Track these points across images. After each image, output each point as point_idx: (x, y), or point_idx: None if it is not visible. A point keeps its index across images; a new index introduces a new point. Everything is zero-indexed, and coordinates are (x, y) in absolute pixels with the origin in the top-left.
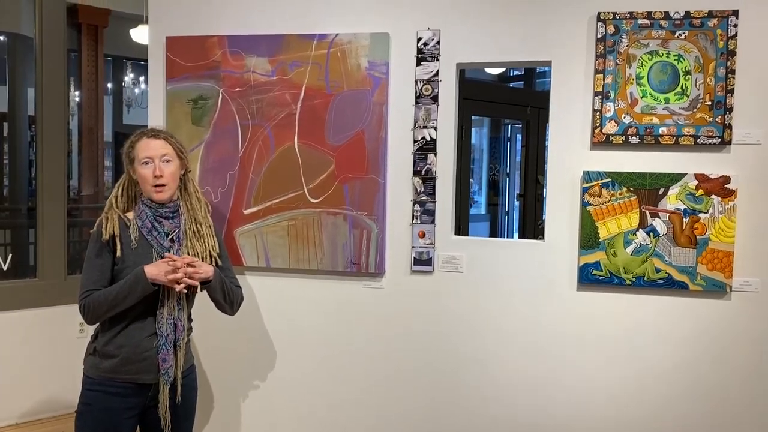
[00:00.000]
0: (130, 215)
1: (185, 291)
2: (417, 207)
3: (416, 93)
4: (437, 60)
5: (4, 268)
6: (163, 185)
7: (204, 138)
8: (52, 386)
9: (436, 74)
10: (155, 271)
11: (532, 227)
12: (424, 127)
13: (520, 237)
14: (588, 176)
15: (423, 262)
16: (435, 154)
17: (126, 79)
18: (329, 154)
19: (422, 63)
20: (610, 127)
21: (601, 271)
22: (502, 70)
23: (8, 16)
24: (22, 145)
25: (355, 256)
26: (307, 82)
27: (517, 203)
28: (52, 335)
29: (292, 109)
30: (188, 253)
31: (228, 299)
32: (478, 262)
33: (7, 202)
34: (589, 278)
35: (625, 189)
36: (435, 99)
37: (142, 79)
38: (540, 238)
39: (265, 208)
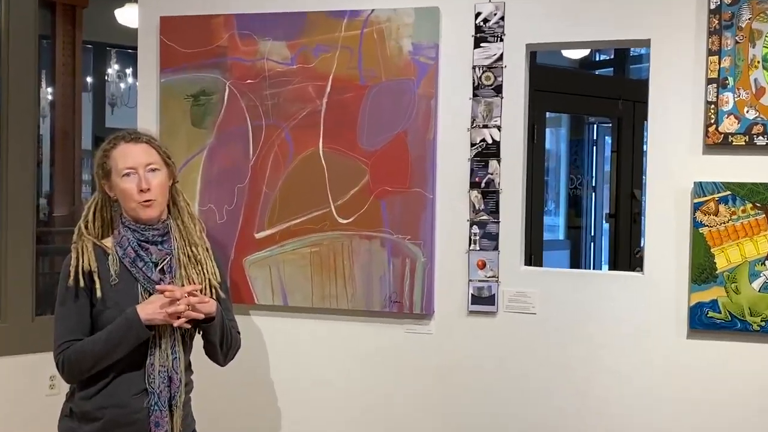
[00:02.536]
0: (108, 242)
1: (188, 326)
2: (475, 229)
3: (474, 83)
4: (501, 40)
5: None
6: (152, 200)
7: (206, 143)
8: None
9: (500, 58)
10: (150, 309)
11: (627, 257)
12: (485, 127)
13: (610, 269)
14: (701, 189)
15: (483, 300)
16: (498, 161)
17: (110, 71)
18: (363, 161)
19: (482, 44)
20: (729, 125)
21: (719, 312)
22: (585, 53)
23: None
24: None
25: (396, 293)
26: (335, 71)
27: (606, 225)
28: (16, 391)
29: (316, 105)
30: (183, 285)
31: (226, 344)
32: (555, 301)
33: None
34: (703, 322)
35: (749, 205)
36: (498, 90)
37: (129, 71)
38: (638, 270)
39: (282, 231)
